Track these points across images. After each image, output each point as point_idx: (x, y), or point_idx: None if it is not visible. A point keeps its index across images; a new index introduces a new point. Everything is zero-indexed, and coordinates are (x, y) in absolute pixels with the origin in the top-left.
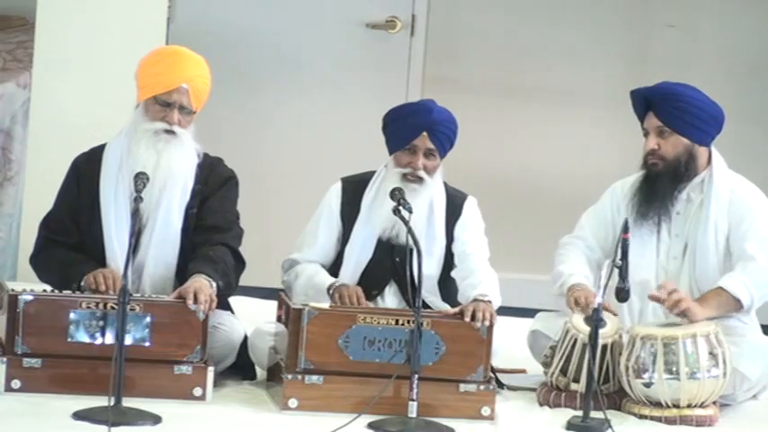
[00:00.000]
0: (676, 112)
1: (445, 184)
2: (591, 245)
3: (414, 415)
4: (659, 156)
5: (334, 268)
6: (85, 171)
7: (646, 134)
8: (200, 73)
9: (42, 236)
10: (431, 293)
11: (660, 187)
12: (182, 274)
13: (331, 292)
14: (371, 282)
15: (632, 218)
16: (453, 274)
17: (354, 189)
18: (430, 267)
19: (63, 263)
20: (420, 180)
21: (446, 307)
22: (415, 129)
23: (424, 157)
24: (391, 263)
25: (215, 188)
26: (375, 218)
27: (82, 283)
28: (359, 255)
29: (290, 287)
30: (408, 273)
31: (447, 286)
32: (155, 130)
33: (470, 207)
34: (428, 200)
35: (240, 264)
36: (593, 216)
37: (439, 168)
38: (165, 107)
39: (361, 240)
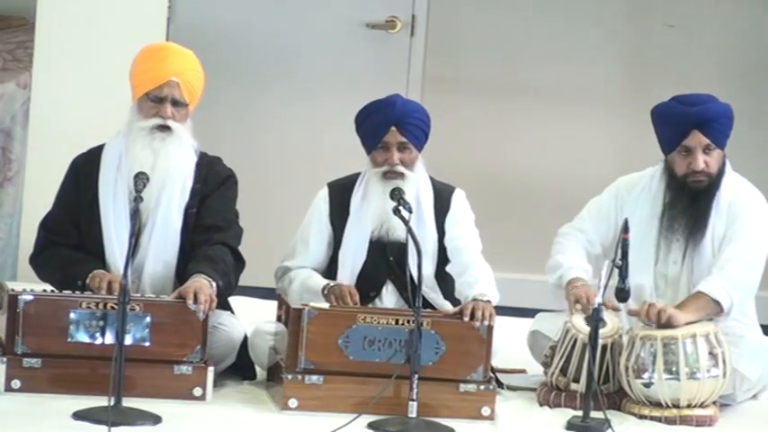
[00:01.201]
0: (721, 128)
1: (431, 179)
2: (591, 239)
3: (414, 415)
4: (706, 173)
5: (327, 273)
6: (84, 171)
7: (686, 152)
8: (190, 66)
9: (42, 236)
10: (431, 290)
11: (703, 203)
12: (181, 274)
13: (325, 292)
14: (368, 283)
15: (651, 229)
16: (448, 269)
17: (341, 193)
18: (425, 264)
19: (66, 261)
20: (400, 175)
21: (447, 304)
22: (383, 125)
23: (399, 152)
24: (386, 263)
25: (214, 187)
26: (365, 219)
27: (87, 281)
28: (353, 257)
29: (284, 293)
30: (408, 272)
31: (445, 281)
32: (150, 127)
33: (458, 199)
34: (413, 194)
35: (240, 263)
36: (594, 210)
37: (419, 161)
38: (157, 103)
39: (354, 243)
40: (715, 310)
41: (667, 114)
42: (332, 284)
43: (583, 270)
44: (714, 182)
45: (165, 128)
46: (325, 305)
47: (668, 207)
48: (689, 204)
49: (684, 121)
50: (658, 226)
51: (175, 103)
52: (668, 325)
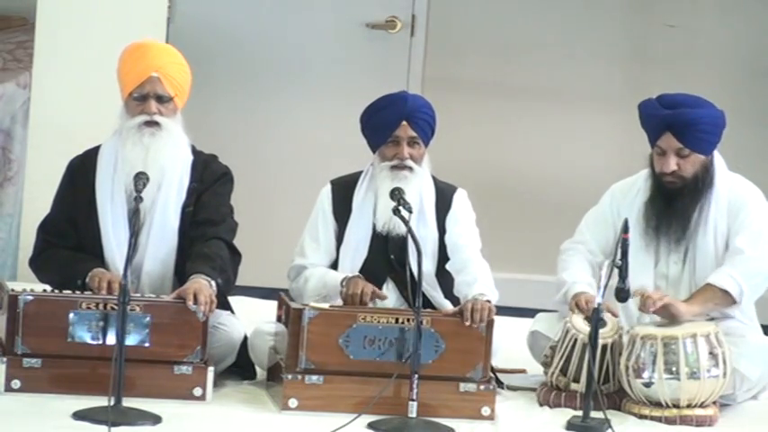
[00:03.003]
0: (698, 134)
1: (434, 178)
2: (592, 249)
3: (414, 415)
4: (678, 175)
5: (333, 268)
6: (80, 173)
7: (661, 152)
8: (171, 60)
9: (41, 238)
10: (431, 287)
11: (680, 205)
12: (180, 273)
13: (343, 284)
14: (369, 280)
15: (643, 230)
16: (448, 266)
17: (344, 189)
18: (425, 263)
19: (65, 261)
20: (409, 169)
21: (447, 303)
22: (394, 120)
23: (409, 147)
24: (386, 260)
25: (209, 184)
26: (368, 216)
27: (87, 280)
28: (354, 254)
29: (300, 293)
30: (408, 270)
31: (445, 279)
32: (137, 125)
33: (460, 198)
34: (418, 189)
35: (236, 256)
36: (592, 219)
37: (425, 158)
38: (141, 101)
39: (355, 240)
40: (725, 300)
41: (644, 113)
42: (350, 276)
43: (586, 284)
44: (689, 185)
45: (152, 123)
46: (325, 305)
47: (650, 204)
48: (666, 204)
49: (657, 123)
50: (645, 225)
51: (159, 98)
52: (669, 314)
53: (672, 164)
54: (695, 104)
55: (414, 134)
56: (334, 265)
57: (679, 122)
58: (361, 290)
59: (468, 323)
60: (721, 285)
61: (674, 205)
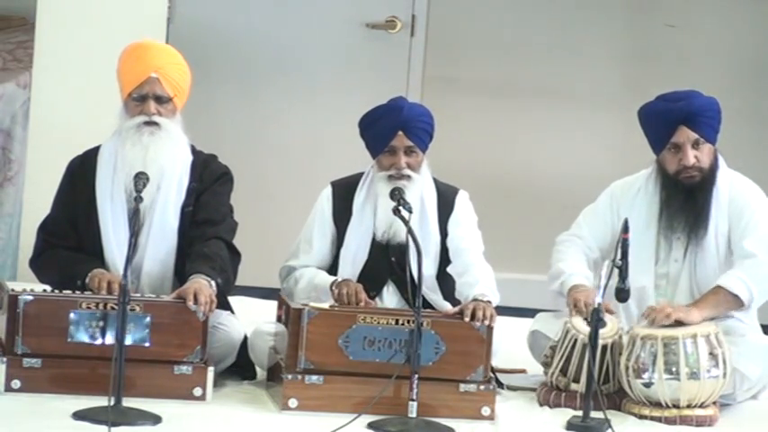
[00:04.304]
0: (708, 120)
1: (435, 180)
2: (589, 244)
3: (414, 415)
4: (698, 168)
5: (331, 272)
6: (80, 173)
7: (676, 149)
8: (170, 60)
9: (41, 239)
10: (431, 291)
11: (701, 199)
12: (180, 273)
13: (333, 287)
14: (369, 283)
15: (656, 230)
16: (449, 269)
17: (344, 192)
18: (426, 265)
19: (65, 261)
20: (407, 178)
21: (447, 305)
22: (390, 130)
23: (406, 156)
24: (387, 263)
25: (209, 184)
26: (368, 220)
27: (86, 281)
28: (354, 257)
29: (290, 293)
30: (408, 272)
31: (446, 282)
32: (136, 125)
33: (462, 201)
34: (418, 195)
35: (236, 256)
36: (591, 216)
37: (424, 163)
38: (140, 102)
39: (355, 242)
40: (734, 304)
41: (653, 113)
42: (340, 280)
43: (584, 276)
44: (707, 176)
45: (151, 123)
46: (325, 305)
47: (665, 206)
48: (685, 201)
49: (670, 118)
50: (657, 226)
51: (158, 98)
52: (681, 324)
53: (691, 156)
54: (694, 95)
55: (410, 144)
56: (331, 268)
57: (692, 112)
58: (354, 290)
59: (467, 319)
60: (732, 290)
61: (694, 199)
